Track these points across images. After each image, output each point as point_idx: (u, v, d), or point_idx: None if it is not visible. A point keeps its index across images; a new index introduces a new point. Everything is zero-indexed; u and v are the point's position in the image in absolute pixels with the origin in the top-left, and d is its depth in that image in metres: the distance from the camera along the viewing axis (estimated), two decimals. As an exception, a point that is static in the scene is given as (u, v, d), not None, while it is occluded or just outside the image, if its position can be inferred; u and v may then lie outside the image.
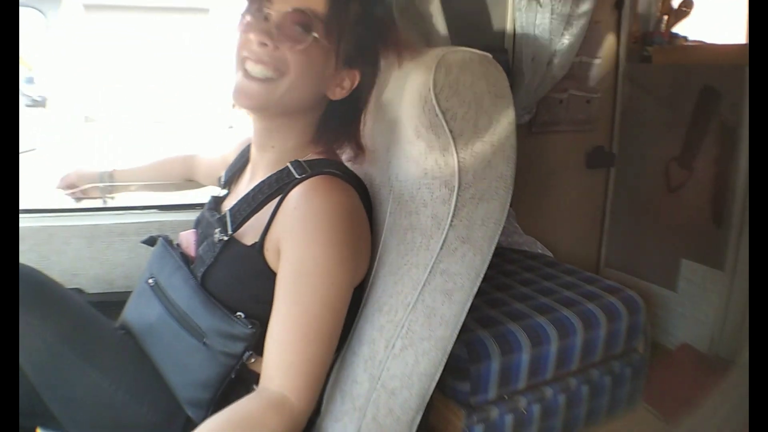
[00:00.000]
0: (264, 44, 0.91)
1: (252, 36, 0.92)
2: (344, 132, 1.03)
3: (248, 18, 0.95)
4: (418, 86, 0.87)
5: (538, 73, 1.96)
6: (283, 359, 0.87)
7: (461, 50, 0.89)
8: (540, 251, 2.06)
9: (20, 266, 1.19)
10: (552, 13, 1.89)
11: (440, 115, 0.85)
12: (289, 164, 0.96)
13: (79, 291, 1.56)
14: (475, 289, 0.94)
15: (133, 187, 1.56)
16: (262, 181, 0.99)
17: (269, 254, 0.93)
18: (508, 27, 1.99)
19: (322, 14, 0.92)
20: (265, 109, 0.97)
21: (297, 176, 0.93)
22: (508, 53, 1.98)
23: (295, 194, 0.91)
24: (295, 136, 1.02)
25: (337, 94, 0.99)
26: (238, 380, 0.96)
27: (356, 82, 0.99)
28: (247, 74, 0.94)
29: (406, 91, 0.90)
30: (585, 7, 1.92)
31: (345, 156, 1.07)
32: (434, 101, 0.85)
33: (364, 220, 0.96)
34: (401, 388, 0.95)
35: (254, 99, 0.94)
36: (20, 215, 1.61)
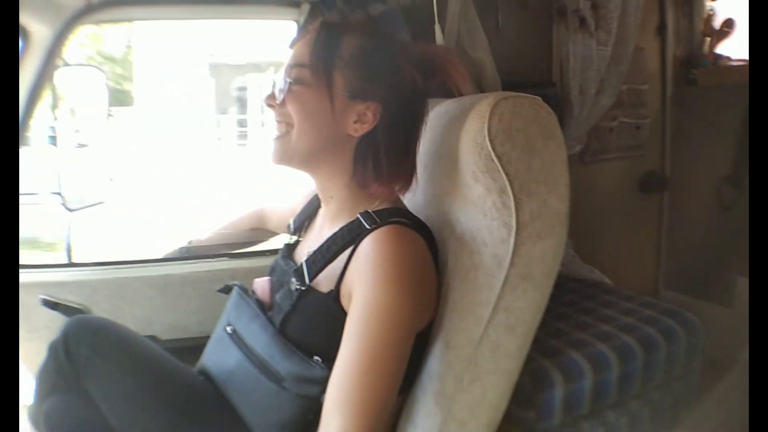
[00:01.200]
0: (271, 106, 1.05)
1: (264, 103, 1.06)
2: (382, 162, 1.04)
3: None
4: (474, 133, 0.92)
5: (587, 103, 1.98)
6: (343, 399, 0.89)
7: (512, 96, 0.94)
8: (598, 279, 2.06)
9: (99, 319, 1.28)
10: (597, 44, 1.90)
11: (496, 160, 0.90)
12: (359, 215, 1.00)
13: (153, 338, 1.61)
14: (537, 323, 0.97)
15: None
16: (335, 233, 1.03)
17: (344, 300, 0.97)
18: (555, 60, 2.02)
19: (308, 63, 1.02)
20: (287, 161, 1.07)
21: (367, 227, 0.97)
22: (556, 86, 2.01)
23: (367, 244, 0.95)
24: (342, 182, 1.07)
25: (360, 129, 1.02)
26: (315, 419, 0.99)
27: (378, 113, 1.02)
28: (273, 136, 1.07)
29: (462, 138, 0.96)
30: (629, 35, 1.93)
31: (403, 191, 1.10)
32: (489, 147, 0.90)
33: (430, 266, 0.99)
34: (470, 419, 0.98)
35: (275, 155, 1.06)
36: (93, 268, 1.70)
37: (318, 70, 1.01)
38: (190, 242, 1.62)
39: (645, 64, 2.25)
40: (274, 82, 1.05)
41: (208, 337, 1.28)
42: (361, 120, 1.02)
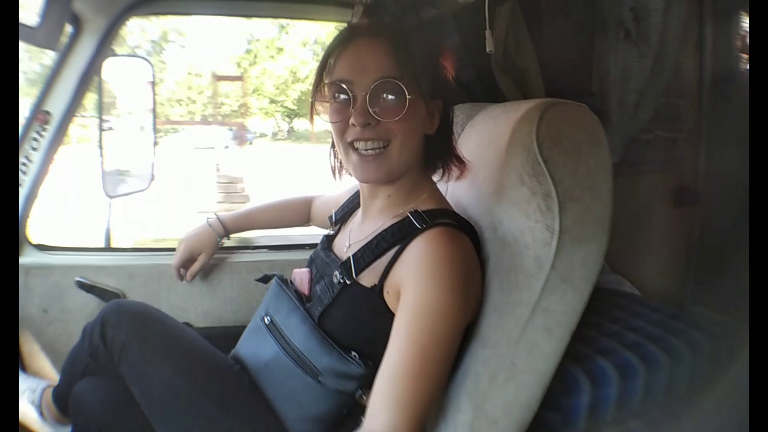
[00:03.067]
0: (368, 124, 1.00)
1: (353, 121, 1.00)
2: (446, 155, 1.10)
3: (336, 106, 1.03)
4: (522, 137, 0.95)
5: (626, 115, 1.98)
6: (393, 396, 0.89)
7: (560, 103, 0.96)
8: (628, 290, 2.06)
9: (139, 304, 1.29)
10: (638, 56, 1.91)
11: (542, 164, 0.92)
12: (409, 215, 1.03)
13: (188, 325, 1.60)
14: (574, 326, 0.99)
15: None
16: (385, 230, 1.05)
17: (389, 296, 1.00)
18: (595, 70, 2.01)
19: (398, 74, 0.99)
20: (388, 178, 1.05)
21: (418, 227, 0.99)
22: (596, 97, 2.00)
23: (418, 244, 0.97)
24: (409, 180, 1.09)
25: (432, 128, 1.06)
26: (349, 414, 1.02)
27: (440, 110, 1.07)
28: (360, 154, 1.02)
29: (510, 141, 0.98)
30: (670, 48, 1.93)
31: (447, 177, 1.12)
32: (537, 151, 0.92)
33: (476, 265, 1.01)
34: (502, 417, 1.00)
35: (377, 172, 1.03)
36: (131, 254, 1.74)
37: (411, 80, 1.00)
38: (223, 219, 1.60)
39: (684, 78, 2.24)
40: (364, 100, 1.00)
41: (241, 327, 1.30)
42: (432, 118, 1.05)
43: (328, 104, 1.05)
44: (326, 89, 1.05)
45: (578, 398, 1.41)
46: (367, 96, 0.99)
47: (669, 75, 2.00)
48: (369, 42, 1.02)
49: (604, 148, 0.96)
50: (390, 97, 1.00)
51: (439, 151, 1.09)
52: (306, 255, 1.29)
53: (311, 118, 1.09)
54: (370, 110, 0.99)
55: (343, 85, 1.01)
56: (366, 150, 1.02)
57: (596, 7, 1.92)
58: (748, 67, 2.41)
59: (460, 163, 1.10)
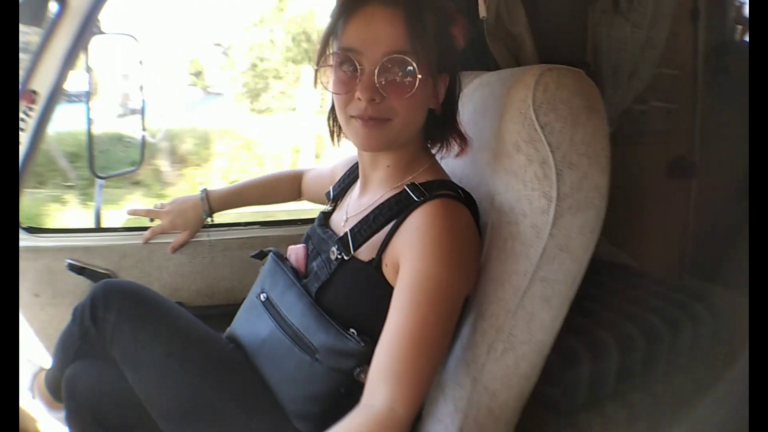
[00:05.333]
0: (373, 100, 0.95)
1: (359, 95, 0.95)
2: (448, 131, 1.07)
3: (341, 75, 0.99)
4: (518, 103, 0.92)
5: (620, 85, 1.97)
6: (393, 370, 0.87)
7: (557, 68, 0.94)
8: (624, 261, 2.06)
9: (129, 283, 1.27)
10: (632, 27, 1.89)
11: (539, 130, 0.90)
12: (406, 187, 1.00)
13: (181, 304, 1.57)
14: (572, 295, 0.98)
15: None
16: (382, 204, 1.03)
17: (387, 270, 0.98)
18: (589, 40, 1.99)
19: (410, 49, 0.95)
20: (386, 148, 1.03)
21: (416, 199, 0.97)
22: (590, 66, 1.98)
23: (416, 216, 0.95)
24: (409, 152, 1.07)
25: (436, 102, 1.03)
26: (347, 393, 1.00)
27: (447, 84, 1.03)
28: (364, 122, 0.98)
29: (506, 108, 0.96)
30: (664, 19, 1.92)
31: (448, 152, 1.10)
32: (533, 116, 0.90)
33: (476, 236, 1.00)
34: (501, 389, 0.99)
35: (377, 140, 0.99)
36: (122, 234, 1.71)
37: (422, 59, 0.95)
38: (209, 193, 1.58)
39: (678, 49, 2.22)
40: (362, 69, 0.96)
41: (236, 305, 1.28)
42: (438, 94, 1.02)
43: (331, 72, 1.00)
44: (331, 57, 1.00)
45: (578, 371, 1.40)
46: (376, 70, 0.95)
47: (663, 45, 1.99)
48: (382, 10, 0.96)
49: (601, 114, 0.94)
50: (400, 73, 0.96)
51: (441, 127, 1.06)
52: (299, 231, 1.28)
53: (314, 85, 1.04)
54: (378, 86, 0.95)
55: (351, 56, 0.96)
56: (371, 122, 0.98)
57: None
58: (745, 38, 2.39)
59: (462, 140, 1.07)
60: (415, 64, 0.94)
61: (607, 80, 1.97)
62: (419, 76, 0.95)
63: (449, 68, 1.02)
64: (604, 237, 2.09)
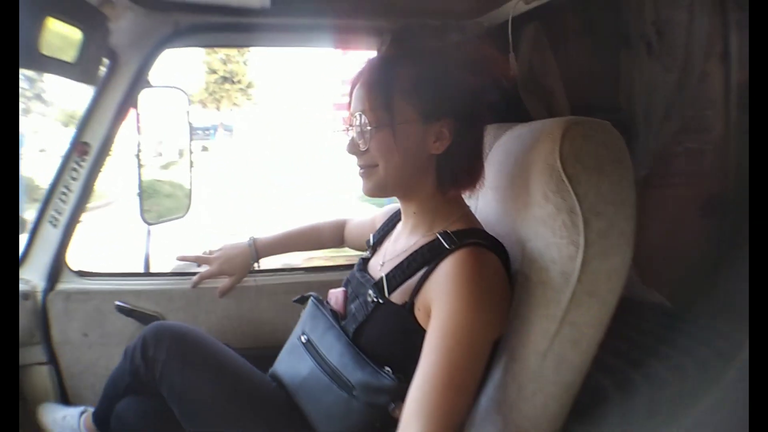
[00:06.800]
0: (355, 154, 1.11)
1: (348, 152, 1.13)
2: (466, 173, 1.11)
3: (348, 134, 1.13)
4: (545, 155, 0.97)
5: (653, 128, 1.98)
6: (425, 407, 0.91)
7: (583, 120, 0.99)
8: (658, 301, 2.05)
9: (179, 324, 1.33)
10: (663, 70, 1.91)
11: (566, 181, 0.95)
12: (438, 235, 1.06)
13: (226, 345, 1.58)
14: (600, 338, 1.01)
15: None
16: (415, 251, 1.09)
17: (419, 313, 1.03)
18: (622, 85, 2.01)
19: (368, 106, 1.08)
20: (379, 194, 1.13)
21: (447, 247, 1.02)
22: (623, 111, 2.00)
23: (447, 263, 1.00)
24: (428, 198, 1.13)
25: (439, 147, 1.08)
26: (382, 428, 1.04)
27: (452, 128, 1.07)
28: (359, 172, 1.13)
29: (534, 159, 1.01)
30: (695, 60, 1.93)
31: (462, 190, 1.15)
32: (560, 168, 0.95)
33: (504, 282, 1.04)
34: (531, 428, 1.02)
35: (366, 190, 1.13)
36: (170, 278, 1.78)
37: (379, 114, 1.07)
38: (255, 241, 1.64)
39: (710, 89, 2.23)
40: (352, 131, 1.11)
41: (278, 347, 1.33)
42: (439, 138, 1.07)
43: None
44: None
45: (607, 409, 1.41)
46: (350, 127, 1.10)
47: (695, 87, 2.00)
48: (361, 79, 1.11)
49: (626, 163, 0.98)
50: (366, 127, 1.08)
51: (448, 170, 1.10)
52: (340, 276, 1.32)
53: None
54: (356, 140, 1.10)
55: (344, 120, 1.12)
56: (362, 170, 1.12)
57: (619, 24, 1.93)
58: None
59: (471, 176, 1.12)
60: (376, 117, 1.07)
61: (640, 124, 1.98)
62: (369, 128, 1.07)
63: (450, 113, 1.06)
64: (636, 275, 2.10)
